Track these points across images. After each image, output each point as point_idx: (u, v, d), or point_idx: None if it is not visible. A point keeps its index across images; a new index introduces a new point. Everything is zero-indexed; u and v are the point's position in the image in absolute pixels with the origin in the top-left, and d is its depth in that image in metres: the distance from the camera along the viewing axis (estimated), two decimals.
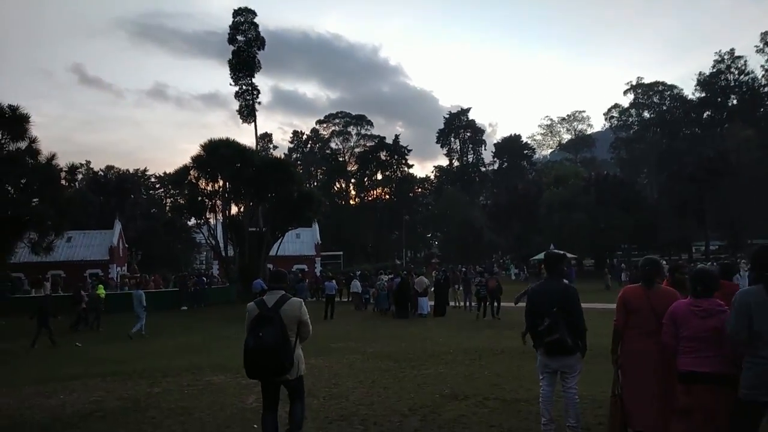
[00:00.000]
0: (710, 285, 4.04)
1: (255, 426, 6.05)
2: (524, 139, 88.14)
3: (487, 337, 14.09)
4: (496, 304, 19.48)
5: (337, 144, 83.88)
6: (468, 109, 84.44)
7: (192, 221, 36.87)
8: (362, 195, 78.96)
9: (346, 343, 13.57)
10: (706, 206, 43.20)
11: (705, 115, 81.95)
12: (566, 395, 4.99)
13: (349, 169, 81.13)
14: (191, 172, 30.89)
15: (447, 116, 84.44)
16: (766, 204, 40.55)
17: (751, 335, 3.60)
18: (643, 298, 4.55)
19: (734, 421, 3.68)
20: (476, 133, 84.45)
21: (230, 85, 41.06)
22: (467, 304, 22.90)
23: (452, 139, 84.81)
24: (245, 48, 40.04)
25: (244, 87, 40.93)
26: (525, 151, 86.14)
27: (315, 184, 76.36)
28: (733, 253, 43.88)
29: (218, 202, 31.73)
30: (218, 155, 28.86)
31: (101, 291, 21.06)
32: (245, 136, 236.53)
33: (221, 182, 31.15)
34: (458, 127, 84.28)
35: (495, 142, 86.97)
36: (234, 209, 33.33)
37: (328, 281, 24.64)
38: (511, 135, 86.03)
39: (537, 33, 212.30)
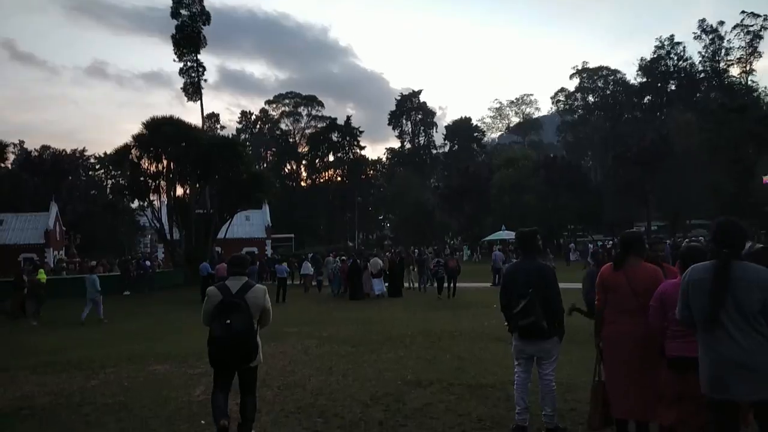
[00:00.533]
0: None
1: (203, 422, 5.53)
2: (474, 122, 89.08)
3: (444, 318, 13.84)
4: (452, 284, 19.38)
5: (287, 125, 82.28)
6: (419, 92, 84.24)
7: (135, 203, 35.20)
8: (314, 177, 77.81)
9: (300, 327, 13.03)
10: (649, 188, 44.69)
11: (646, 99, 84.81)
12: (542, 382, 4.70)
13: (300, 150, 79.72)
14: (133, 151, 29.36)
15: (398, 98, 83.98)
16: (705, 186, 42.26)
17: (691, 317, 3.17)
18: (621, 275, 4.21)
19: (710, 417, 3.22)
20: (427, 115, 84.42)
21: (174, 61, 38.99)
22: (422, 285, 22.81)
23: (404, 121, 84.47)
24: (189, 23, 37.97)
25: (188, 64, 38.92)
26: (475, 134, 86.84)
27: (265, 165, 74.64)
28: (674, 232, 45.78)
29: (162, 183, 30.29)
30: (162, 134, 27.49)
31: (42, 276, 19.64)
32: (191, 115, 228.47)
33: (165, 162, 29.70)
34: (409, 109, 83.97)
35: (446, 124, 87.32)
36: (180, 191, 32.00)
37: (279, 264, 24.06)
38: (461, 117, 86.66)
39: (486, 16, 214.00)
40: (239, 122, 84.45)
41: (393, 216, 76.52)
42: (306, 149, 78.37)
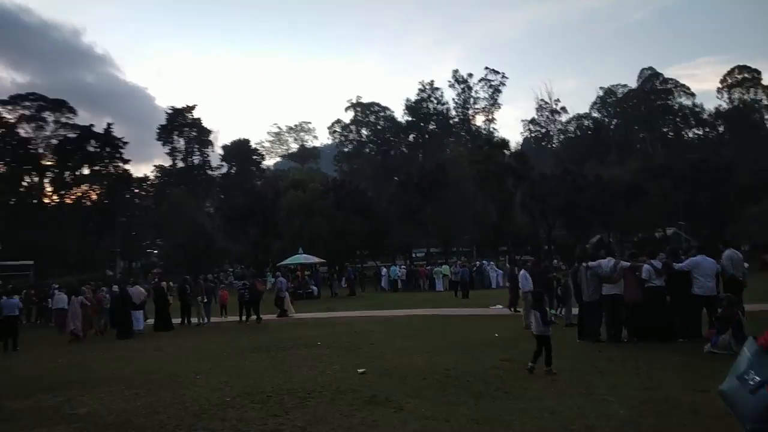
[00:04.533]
0: None
1: None
2: (253, 145, 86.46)
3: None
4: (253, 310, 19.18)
5: (27, 131, 68.15)
6: (193, 107, 78.22)
7: None
8: (62, 193, 65.53)
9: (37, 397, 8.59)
10: (428, 214, 47.77)
11: (411, 137, 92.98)
12: None
13: (45, 163, 66.59)
14: None
15: (170, 111, 76.87)
16: (472, 213, 46.91)
17: None
18: None
19: None
20: (203, 133, 78.86)
21: None
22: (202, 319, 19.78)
23: (175, 137, 77.48)
24: None
25: None
26: (254, 157, 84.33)
27: None
28: (447, 258, 49.64)
29: None
30: None
31: None
32: None
33: None
34: (182, 125, 77.49)
35: (223, 144, 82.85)
36: None
37: (8, 297, 17.04)
38: (239, 139, 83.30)
39: (263, 40, 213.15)
40: None
41: (163, 241, 68.63)
42: (53, 161, 65.91)
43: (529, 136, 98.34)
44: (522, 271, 13.93)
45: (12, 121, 67.34)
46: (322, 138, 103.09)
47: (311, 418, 6.38)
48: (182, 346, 13.81)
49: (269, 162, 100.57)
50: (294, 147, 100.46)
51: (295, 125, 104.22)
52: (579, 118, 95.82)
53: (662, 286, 10.47)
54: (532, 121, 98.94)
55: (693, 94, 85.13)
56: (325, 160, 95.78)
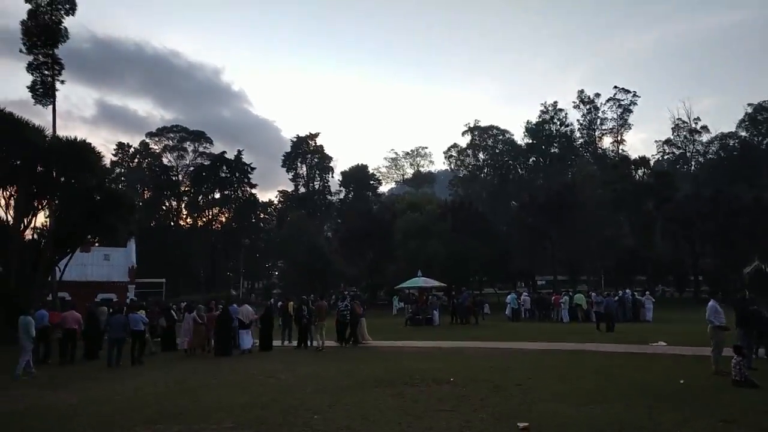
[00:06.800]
0: None
1: None
2: (370, 170, 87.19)
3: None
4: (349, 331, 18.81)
5: (170, 160, 74.10)
6: (317, 134, 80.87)
7: None
8: (195, 215, 69.89)
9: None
10: (553, 238, 44.03)
11: (531, 160, 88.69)
12: None
13: (183, 189, 71.74)
14: None
15: (294, 139, 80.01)
16: (604, 239, 42.42)
17: None
18: None
19: None
20: (324, 159, 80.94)
21: (21, 52, 30.97)
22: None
23: (299, 163, 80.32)
24: (47, 8, 30.66)
25: (40, 58, 31.12)
26: (371, 182, 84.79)
27: (140, 204, 65.88)
28: (574, 286, 45.32)
29: None
30: None
31: None
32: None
33: None
34: (305, 152, 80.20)
35: (342, 170, 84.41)
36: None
37: (132, 313, 17.27)
38: (357, 164, 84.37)
39: (380, 69, 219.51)
40: (114, 154, 74.13)
41: (283, 263, 70.57)
42: (189, 187, 70.80)
43: (661, 158, 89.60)
44: (711, 302, 10.92)
45: (157, 150, 73.61)
46: (438, 164, 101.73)
47: None
48: (296, 373, 12.42)
49: (384, 188, 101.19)
50: (409, 172, 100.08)
51: (412, 150, 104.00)
52: (723, 137, 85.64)
53: None
54: (668, 142, 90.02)
55: None
56: (440, 185, 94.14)
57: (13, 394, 10.85)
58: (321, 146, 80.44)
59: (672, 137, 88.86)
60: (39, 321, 16.13)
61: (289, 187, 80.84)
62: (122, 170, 70.97)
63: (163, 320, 20.01)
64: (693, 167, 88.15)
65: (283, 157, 79.54)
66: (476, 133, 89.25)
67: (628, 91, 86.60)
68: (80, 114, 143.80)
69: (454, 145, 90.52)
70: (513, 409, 7.80)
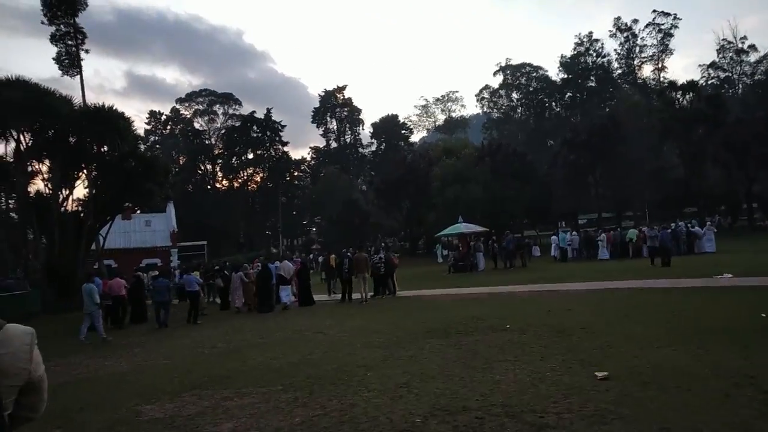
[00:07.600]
0: None
1: None
2: (401, 119, 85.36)
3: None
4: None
5: (201, 125, 74.18)
6: (344, 87, 79.38)
7: None
8: (230, 177, 70.23)
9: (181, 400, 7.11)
10: (598, 175, 42.25)
11: (567, 96, 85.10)
12: None
13: (216, 153, 71.96)
14: None
15: (322, 93, 78.75)
16: (653, 171, 40.37)
17: None
18: None
19: None
20: (354, 111, 79.60)
21: (42, 23, 30.73)
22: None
23: (328, 118, 79.30)
24: None
25: (63, 28, 30.78)
26: (403, 131, 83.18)
27: (175, 169, 66.38)
28: (620, 222, 43.74)
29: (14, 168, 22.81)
30: (4, 101, 19.99)
31: None
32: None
33: (14, 141, 22.29)
34: (334, 106, 78.98)
35: (372, 122, 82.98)
36: (41, 183, 24.32)
37: (187, 274, 19.08)
38: (388, 115, 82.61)
39: (402, 12, 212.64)
40: (147, 123, 74.53)
41: (320, 219, 70.74)
42: (221, 150, 70.91)
43: (705, 83, 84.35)
44: None
45: (188, 116, 73.67)
46: (470, 108, 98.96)
47: None
48: (344, 327, 12.03)
49: (416, 137, 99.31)
50: (441, 119, 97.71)
51: (442, 96, 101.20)
52: None
53: None
54: (712, 65, 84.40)
55: None
56: (474, 129, 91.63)
57: (72, 362, 10.83)
58: (349, 99, 79.14)
59: (717, 60, 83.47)
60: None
61: (321, 143, 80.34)
62: (156, 138, 71.47)
63: (219, 280, 20.24)
64: (740, 90, 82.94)
65: (312, 113, 78.67)
66: (508, 72, 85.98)
67: (668, 14, 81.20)
68: (111, 87, 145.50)
69: (486, 87, 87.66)
70: (584, 355, 7.12)
